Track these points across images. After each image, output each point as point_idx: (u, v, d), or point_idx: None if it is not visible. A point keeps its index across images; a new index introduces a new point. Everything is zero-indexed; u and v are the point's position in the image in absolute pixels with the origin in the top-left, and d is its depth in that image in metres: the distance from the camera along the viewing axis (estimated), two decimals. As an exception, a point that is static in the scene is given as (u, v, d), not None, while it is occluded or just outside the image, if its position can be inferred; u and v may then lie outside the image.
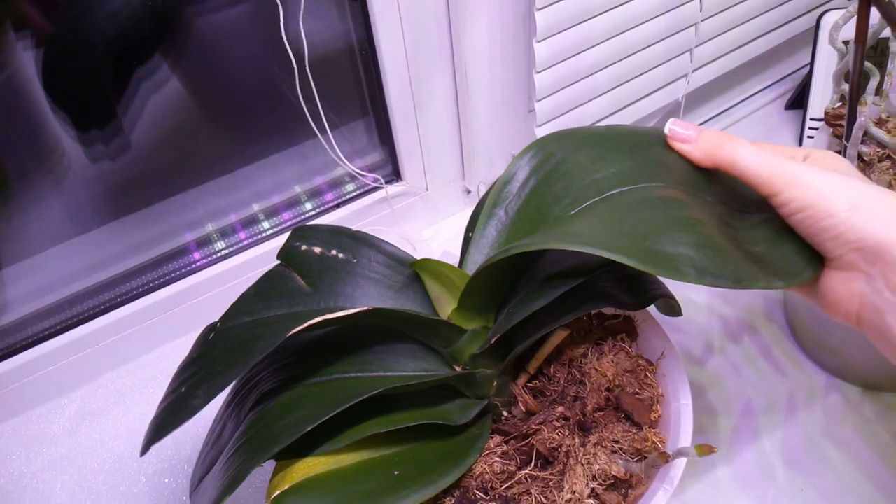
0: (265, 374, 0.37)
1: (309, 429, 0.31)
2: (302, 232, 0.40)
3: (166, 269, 0.61)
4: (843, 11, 0.43)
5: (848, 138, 0.43)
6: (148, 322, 0.59)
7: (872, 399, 0.53)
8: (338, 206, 0.63)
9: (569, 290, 0.36)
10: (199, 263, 0.61)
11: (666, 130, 0.35)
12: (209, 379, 0.32)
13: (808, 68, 0.70)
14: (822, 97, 0.68)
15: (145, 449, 0.33)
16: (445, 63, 0.56)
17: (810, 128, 0.69)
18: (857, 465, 0.50)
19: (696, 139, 0.34)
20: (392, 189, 0.63)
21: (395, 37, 0.52)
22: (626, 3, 0.56)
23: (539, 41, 0.53)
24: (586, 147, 0.39)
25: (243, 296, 0.38)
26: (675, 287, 0.59)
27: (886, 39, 0.58)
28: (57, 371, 0.57)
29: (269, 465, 0.34)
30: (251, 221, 0.63)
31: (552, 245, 0.32)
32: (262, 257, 0.61)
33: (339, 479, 0.32)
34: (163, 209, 0.60)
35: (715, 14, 0.63)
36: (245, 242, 0.62)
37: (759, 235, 0.33)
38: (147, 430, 0.33)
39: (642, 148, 0.37)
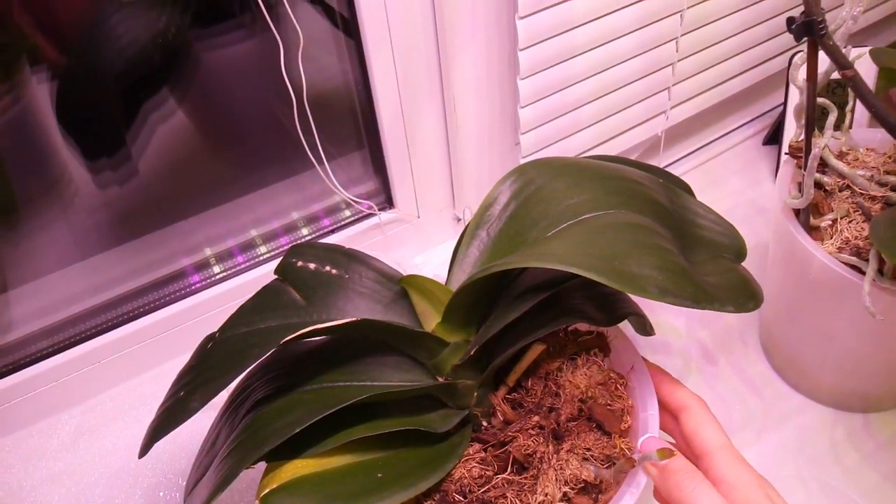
0: (259, 383, 0.39)
1: (298, 430, 0.33)
2: (298, 249, 0.43)
3: (166, 290, 0.63)
4: (801, 52, 0.47)
5: (806, 168, 0.46)
6: (147, 341, 0.61)
7: (844, 420, 0.55)
8: (332, 231, 0.66)
9: (544, 307, 0.38)
10: (197, 286, 0.63)
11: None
12: (206, 383, 0.35)
13: (782, 106, 0.74)
14: (795, 133, 0.72)
15: (144, 450, 0.35)
16: (435, 99, 0.60)
17: (784, 162, 0.72)
18: (827, 484, 0.51)
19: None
20: (385, 216, 0.66)
21: (388, 75, 0.56)
22: (604, 44, 0.60)
23: (523, 79, 0.56)
24: (563, 175, 0.42)
25: (241, 308, 0.40)
26: (656, 312, 0.62)
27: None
28: (58, 387, 0.58)
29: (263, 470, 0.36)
30: (249, 246, 0.66)
31: (529, 263, 0.34)
32: (258, 280, 0.63)
33: (325, 480, 0.34)
34: (166, 235, 0.63)
35: (690, 55, 0.67)
36: (242, 266, 0.65)
37: (710, 269, 0.37)
38: (146, 432, 0.35)
39: (614, 179, 0.41)
